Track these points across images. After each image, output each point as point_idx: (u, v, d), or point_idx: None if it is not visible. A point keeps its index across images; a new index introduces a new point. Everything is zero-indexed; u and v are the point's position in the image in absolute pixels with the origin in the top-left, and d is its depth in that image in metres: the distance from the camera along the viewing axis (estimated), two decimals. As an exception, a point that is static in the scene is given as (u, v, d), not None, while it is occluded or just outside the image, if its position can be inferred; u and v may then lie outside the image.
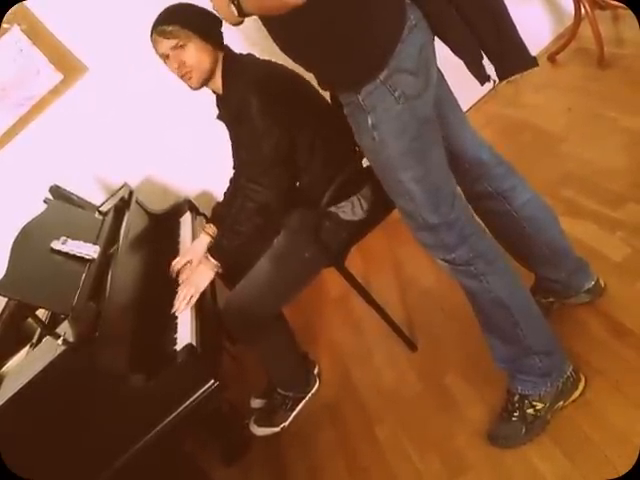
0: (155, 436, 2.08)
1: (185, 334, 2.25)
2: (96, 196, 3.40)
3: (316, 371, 2.98)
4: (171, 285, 2.61)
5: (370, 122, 1.75)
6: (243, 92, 2.34)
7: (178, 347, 2.19)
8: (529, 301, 2.03)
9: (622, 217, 2.56)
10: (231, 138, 2.64)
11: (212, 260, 2.46)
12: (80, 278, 2.34)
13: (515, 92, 3.85)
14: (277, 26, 1.73)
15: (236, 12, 1.60)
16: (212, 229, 2.75)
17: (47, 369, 1.95)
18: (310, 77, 1.96)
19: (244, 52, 2.53)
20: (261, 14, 1.67)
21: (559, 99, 3.69)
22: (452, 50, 1.86)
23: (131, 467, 2.07)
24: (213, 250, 2.48)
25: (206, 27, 2.36)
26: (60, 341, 1.99)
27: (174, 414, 2.08)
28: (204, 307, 2.47)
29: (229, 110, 2.48)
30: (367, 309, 2.73)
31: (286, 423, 2.84)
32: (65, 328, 2.11)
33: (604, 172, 2.86)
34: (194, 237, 2.99)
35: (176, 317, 2.39)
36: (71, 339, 2.01)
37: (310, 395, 2.88)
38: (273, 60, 2.45)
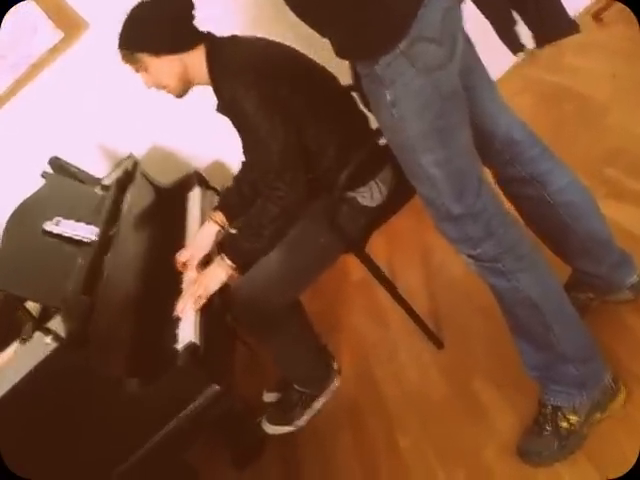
0: (155, 443, 2.07)
1: (188, 331, 2.21)
2: (100, 166, 3.37)
3: (335, 365, 2.94)
4: (174, 273, 2.58)
5: (389, 98, 1.67)
6: (234, 90, 2.27)
7: (180, 345, 2.14)
8: (564, 301, 1.95)
9: (671, 203, 2.47)
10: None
11: (227, 261, 2.39)
12: (74, 265, 2.31)
13: (557, 54, 3.71)
14: None
15: None
16: (220, 217, 2.69)
17: (36, 370, 1.92)
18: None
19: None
20: None
21: (604, 63, 3.54)
22: (483, 13, 1.77)
23: (130, 476, 2.06)
24: (232, 253, 2.40)
25: (161, 40, 2.33)
26: (49, 339, 1.95)
27: (174, 421, 2.06)
28: (210, 300, 2.40)
29: (224, 106, 2.41)
30: (392, 295, 2.68)
31: (302, 422, 2.81)
32: (58, 322, 2.08)
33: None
34: (202, 215, 2.95)
35: (179, 310, 2.36)
36: (62, 335, 1.96)
37: (328, 392, 2.85)
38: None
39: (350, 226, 2.45)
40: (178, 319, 2.30)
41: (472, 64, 1.94)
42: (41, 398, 1.98)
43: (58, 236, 2.45)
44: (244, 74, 2.28)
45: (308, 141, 2.35)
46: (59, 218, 2.50)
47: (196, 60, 2.36)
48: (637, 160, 2.75)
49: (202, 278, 2.42)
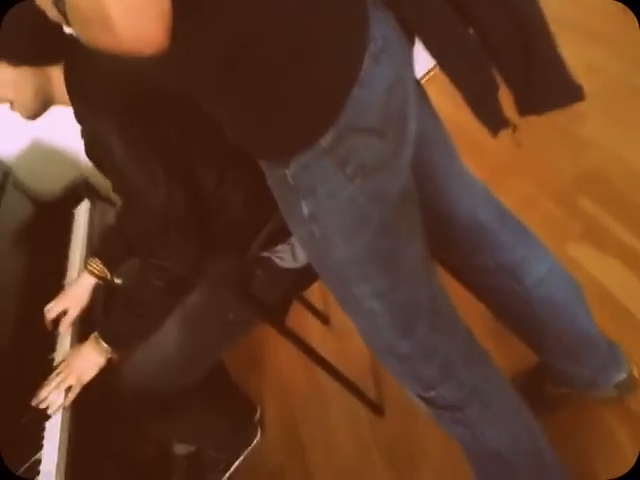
0: None
1: (50, 455, 1.62)
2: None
3: (257, 417, 2.46)
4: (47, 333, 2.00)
5: (306, 211, 1.12)
6: (97, 120, 1.56)
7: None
8: (542, 451, 1.47)
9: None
10: None
11: (103, 344, 1.78)
12: None
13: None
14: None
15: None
16: (98, 267, 2.01)
17: None
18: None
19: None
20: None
21: (584, 50, 2.85)
22: (453, 82, 1.16)
23: None
24: (106, 334, 1.79)
25: (23, 48, 1.54)
26: None
27: None
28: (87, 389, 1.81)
29: (87, 136, 1.66)
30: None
31: (219, 485, 2.34)
32: None
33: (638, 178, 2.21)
34: (90, 239, 2.37)
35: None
36: None
37: (248, 451, 2.38)
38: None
39: (268, 294, 1.86)
40: (45, 418, 1.72)
41: (429, 131, 1.38)
42: None
43: None
44: (112, 100, 1.57)
45: (207, 193, 1.70)
46: None
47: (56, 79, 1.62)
48: (618, 192, 2.22)
49: (73, 361, 1.80)
